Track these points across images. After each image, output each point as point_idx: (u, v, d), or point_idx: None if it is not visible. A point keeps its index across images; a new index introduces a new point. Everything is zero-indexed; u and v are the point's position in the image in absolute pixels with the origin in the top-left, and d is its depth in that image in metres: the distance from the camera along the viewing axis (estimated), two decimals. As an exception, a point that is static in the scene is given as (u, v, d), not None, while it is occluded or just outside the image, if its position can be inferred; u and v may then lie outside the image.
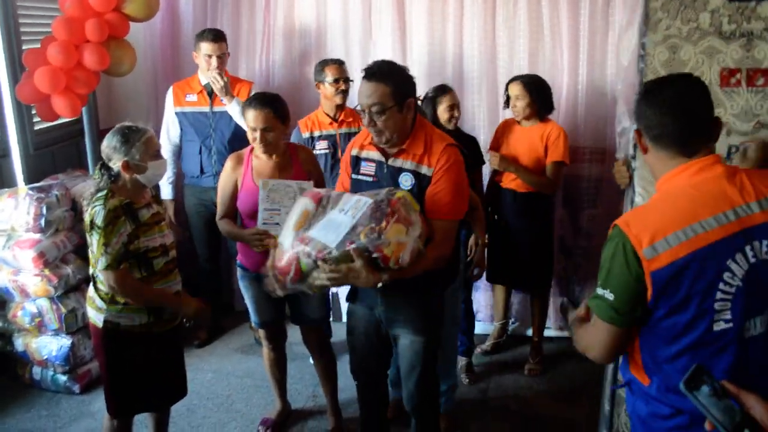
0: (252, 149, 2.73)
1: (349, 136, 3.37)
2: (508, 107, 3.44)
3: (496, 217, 3.53)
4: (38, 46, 3.25)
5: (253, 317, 2.92)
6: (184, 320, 2.53)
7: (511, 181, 3.41)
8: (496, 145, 3.46)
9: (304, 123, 3.45)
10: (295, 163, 2.73)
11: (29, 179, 3.51)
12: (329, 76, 3.42)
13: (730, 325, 1.45)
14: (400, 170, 2.26)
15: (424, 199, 2.22)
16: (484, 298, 3.99)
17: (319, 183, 2.76)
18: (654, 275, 1.43)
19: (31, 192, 3.20)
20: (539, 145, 3.32)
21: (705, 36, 2.20)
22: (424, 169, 2.23)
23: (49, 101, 3.20)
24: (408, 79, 2.26)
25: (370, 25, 3.83)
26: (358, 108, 2.22)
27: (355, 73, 3.88)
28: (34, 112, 3.47)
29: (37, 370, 3.37)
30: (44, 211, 3.15)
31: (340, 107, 3.46)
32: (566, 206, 3.79)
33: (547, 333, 3.83)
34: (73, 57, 3.16)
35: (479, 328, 3.92)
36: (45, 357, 3.30)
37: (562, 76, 3.64)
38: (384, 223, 2.02)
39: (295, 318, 2.94)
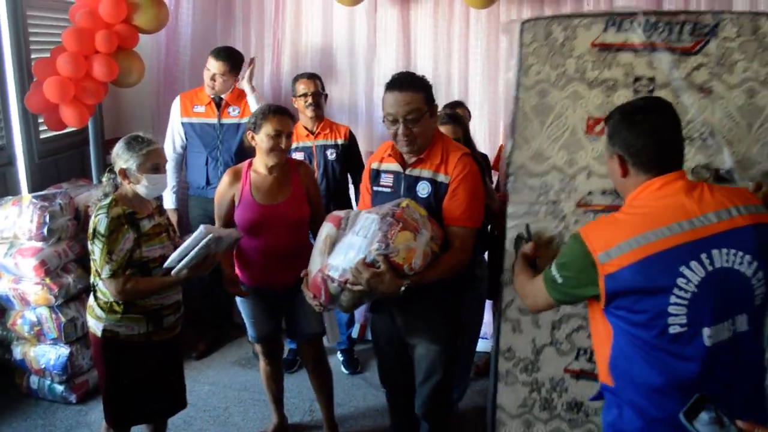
0: (250, 164, 2.75)
1: (324, 148, 3.49)
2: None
3: (495, 233, 3.53)
4: (47, 56, 3.28)
5: (250, 332, 2.92)
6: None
7: None
8: (497, 164, 3.48)
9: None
10: (294, 178, 2.74)
11: (33, 187, 3.53)
12: (299, 90, 3.51)
13: (686, 329, 1.51)
14: (418, 179, 2.33)
15: (441, 207, 2.29)
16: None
17: (316, 199, 2.79)
18: (607, 279, 1.54)
19: (35, 200, 3.21)
20: None
21: (570, 82, 2.21)
22: (441, 177, 2.29)
23: (57, 111, 3.22)
24: (430, 86, 2.36)
25: (375, 42, 3.88)
26: (386, 119, 2.29)
27: (360, 88, 3.95)
28: (40, 121, 3.50)
29: (34, 379, 3.35)
30: (47, 219, 3.16)
31: (317, 119, 3.52)
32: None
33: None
34: (83, 67, 3.19)
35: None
36: (43, 366, 3.28)
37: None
38: (390, 233, 2.09)
39: (291, 333, 2.95)
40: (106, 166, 2.41)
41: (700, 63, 2.12)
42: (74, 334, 3.30)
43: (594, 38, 2.19)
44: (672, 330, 1.51)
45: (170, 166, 3.49)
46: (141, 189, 2.33)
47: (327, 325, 2.86)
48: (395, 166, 2.39)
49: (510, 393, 2.33)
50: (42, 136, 3.64)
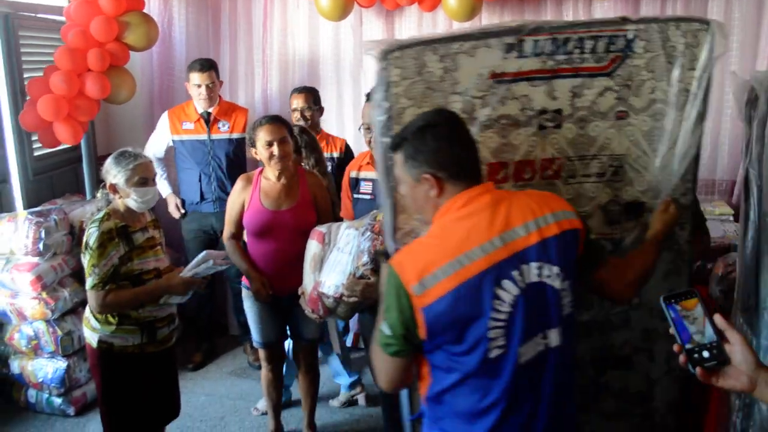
0: (261, 171, 2.83)
1: None
2: None
3: None
4: (41, 74, 3.35)
5: (255, 337, 2.97)
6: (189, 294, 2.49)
7: None
8: None
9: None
10: (302, 186, 2.82)
11: (28, 204, 3.58)
12: (291, 104, 3.59)
13: (504, 350, 1.44)
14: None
15: None
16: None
17: (326, 207, 2.85)
18: (425, 311, 1.41)
19: (30, 216, 3.26)
20: None
21: None
22: None
23: (51, 128, 3.28)
24: None
25: (361, 54, 3.95)
26: (362, 127, 2.42)
27: (347, 100, 4.03)
28: (34, 138, 3.55)
29: (32, 393, 3.39)
30: (43, 235, 3.21)
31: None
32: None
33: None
34: (76, 86, 3.26)
35: None
36: (40, 379, 3.32)
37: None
38: (372, 248, 2.16)
39: (292, 335, 3.03)
40: (99, 181, 2.46)
41: (606, 87, 1.86)
42: (71, 347, 3.34)
43: (483, 66, 1.80)
44: (492, 354, 1.43)
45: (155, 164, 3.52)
46: (131, 203, 2.38)
47: (332, 339, 3.05)
48: (373, 174, 2.49)
49: None
50: (36, 153, 3.69)
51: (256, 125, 2.76)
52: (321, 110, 3.68)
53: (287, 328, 3.01)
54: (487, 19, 3.74)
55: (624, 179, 1.94)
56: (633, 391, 2.11)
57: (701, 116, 1.89)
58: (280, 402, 3.16)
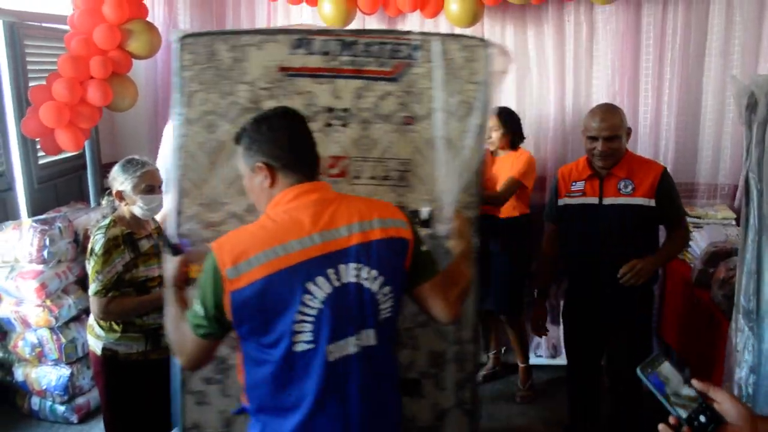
0: None
1: None
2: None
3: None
4: (44, 82, 3.37)
5: None
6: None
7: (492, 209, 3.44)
8: None
9: None
10: None
11: (33, 212, 3.59)
12: None
13: (312, 346, 1.46)
14: None
15: None
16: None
17: None
18: (233, 295, 1.43)
19: (35, 224, 3.28)
20: (510, 172, 3.37)
21: (244, 114, 1.87)
22: None
23: (53, 135, 3.30)
24: None
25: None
26: None
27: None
28: (38, 146, 3.57)
29: (35, 400, 3.40)
30: (47, 242, 3.23)
31: None
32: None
33: (537, 361, 3.90)
34: (78, 93, 3.28)
35: None
36: (44, 387, 3.33)
37: (549, 107, 3.77)
38: None
39: None
40: (103, 189, 2.49)
41: (389, 91, 1.93)
42: (75, 354, 3.35)
43: (272, 59, 1.91)
44: (298, 348, 1.45)
45: None
46: (137, 210, 2.40)
47: None
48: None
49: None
50: (40, 161, 3.72)
51: None
52: None
53: None
54: (488, 24, 3.75)
55: (409, 185, 1.97)
56: (421, 424, 2.05)
57: (482, 128, 1.95)
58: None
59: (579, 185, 2.73)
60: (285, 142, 1.55)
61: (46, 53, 3.76)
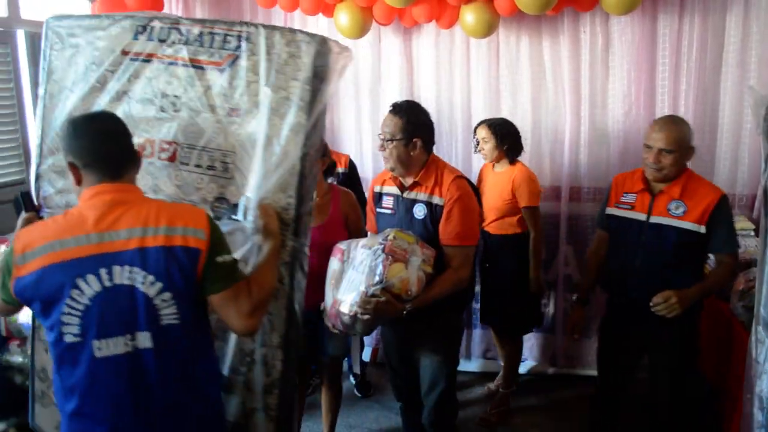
0: None
1: (324, 176, 3.35)
2: (477, 151, 3.50)
3: (487, 264, 3.56)
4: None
5: None
6: None
7: (488, 225, 3.43)
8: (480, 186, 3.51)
9: None
10: (334, 204, 2.83)
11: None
12: None
13: (79, 339, 1.57)
14: (414, 201, 2.49)
15: (437, 227, 2.43)
16: (478, 335, 4.07)
17: (358, 227, 2.85)
18: (17, 281, 1.58)
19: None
20: (508, 188, 3.33)
21: (93, 91, 2.07)
22: (436, 200, 2.44)
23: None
24: (421, 121, 2.48)
25: (379, 71, 4.01)
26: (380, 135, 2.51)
27: (365, 115, 4.06)
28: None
29: (53, 406, 3.43)
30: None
31: None
32: (570, 244, 3.86)
33: (550, 371, 3.93)
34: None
35: (474, 365, 4.05)
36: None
37: (565, 118, 3.77)
38: (382, 269, 2.26)
39: (317, 350, 3.00)
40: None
41: (217, 82, 1.97)
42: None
43: (118, 43, 2.04)
44: (67, 339, 1.57)
45: None
46: None
47: (353, 359, 3.14)
48: (394, 189, 2.56)
49: (47, 414, 2.21)
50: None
51: None
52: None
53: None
54: (504, 35, 3.77)
55: (231, 178, 1.98)
56: (231, 419, 2.04)
57: (302, 127, 1.91)
58: (300, 417, 3.16)
59: (630, 198, 2.64)
60: (88, 145, 1.64)
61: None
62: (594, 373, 3.67)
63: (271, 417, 2.03)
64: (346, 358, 3.34)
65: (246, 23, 1.99)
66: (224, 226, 1.81)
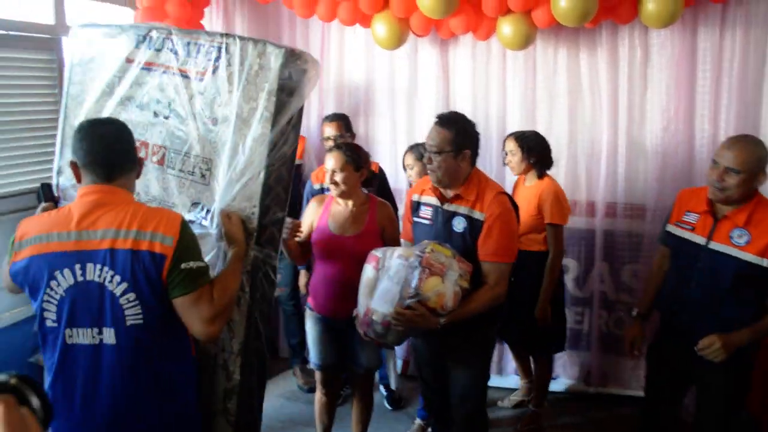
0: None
1: None
2: (505, 164, 3.46)
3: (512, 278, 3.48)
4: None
5: (313, 358, 2.99)
6: None
7: None
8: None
9: (315, 175, 3.55)
10: (371, 216, 2.83)
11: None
12: (324, 132, 3.69)
13: (56, 325, 1.74)
14: (454, 214, 2.47)
15: (476, 242, 2.41)
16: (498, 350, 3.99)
17: (394, 239, 2.84)
18: (12, 265, 1.77)
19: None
20: (534, 203, 3.27)
21: (104, 96, 2.24)
22: (477, 214, 2.42)
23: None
24: (469, 133, 2.47)
25: (416, 82, 4.01)
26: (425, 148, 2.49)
27: (401, 126, 4.06)
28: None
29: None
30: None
31: None
32: (606, 261, 3.81)
33: (586, 389, 3.86)
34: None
35: (507, 381, 3.98)
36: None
37: (602, 132, 3.73)
38: (419, 281, 2.26)
39: (350, 361, 2.98)
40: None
41: (199, 91, 2.08)
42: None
43: (123, 51, 2.21)
44: (47, 324, 1.75)
45: None
46: None
47: (389, 373, 3.22)
48: (434, 200, 2.54)
49: None
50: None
51: (326, 151, 2.91)
52: (353, 137, 3.75)
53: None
54: (541, 47, 3.75)
55: (207, 184, 2.09)
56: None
57: (266, 138, 1.97)
58: (330, 427, 3.15)
59: (692, 217, 2.46)
60: (87, 147, 1.78)
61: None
62: (629, 392, 3.66)
63: (230, 422, 2.09)
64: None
65: (226, 35, 2.10)
66: (195, 230, 1.89)
